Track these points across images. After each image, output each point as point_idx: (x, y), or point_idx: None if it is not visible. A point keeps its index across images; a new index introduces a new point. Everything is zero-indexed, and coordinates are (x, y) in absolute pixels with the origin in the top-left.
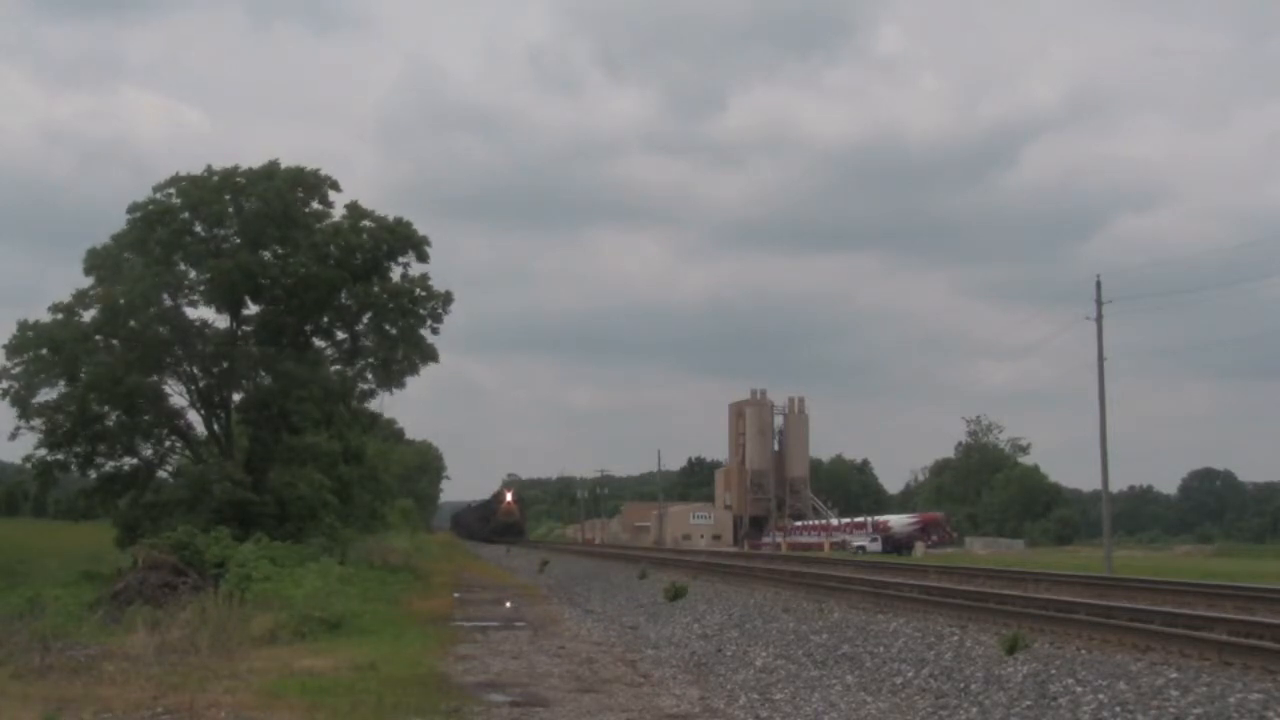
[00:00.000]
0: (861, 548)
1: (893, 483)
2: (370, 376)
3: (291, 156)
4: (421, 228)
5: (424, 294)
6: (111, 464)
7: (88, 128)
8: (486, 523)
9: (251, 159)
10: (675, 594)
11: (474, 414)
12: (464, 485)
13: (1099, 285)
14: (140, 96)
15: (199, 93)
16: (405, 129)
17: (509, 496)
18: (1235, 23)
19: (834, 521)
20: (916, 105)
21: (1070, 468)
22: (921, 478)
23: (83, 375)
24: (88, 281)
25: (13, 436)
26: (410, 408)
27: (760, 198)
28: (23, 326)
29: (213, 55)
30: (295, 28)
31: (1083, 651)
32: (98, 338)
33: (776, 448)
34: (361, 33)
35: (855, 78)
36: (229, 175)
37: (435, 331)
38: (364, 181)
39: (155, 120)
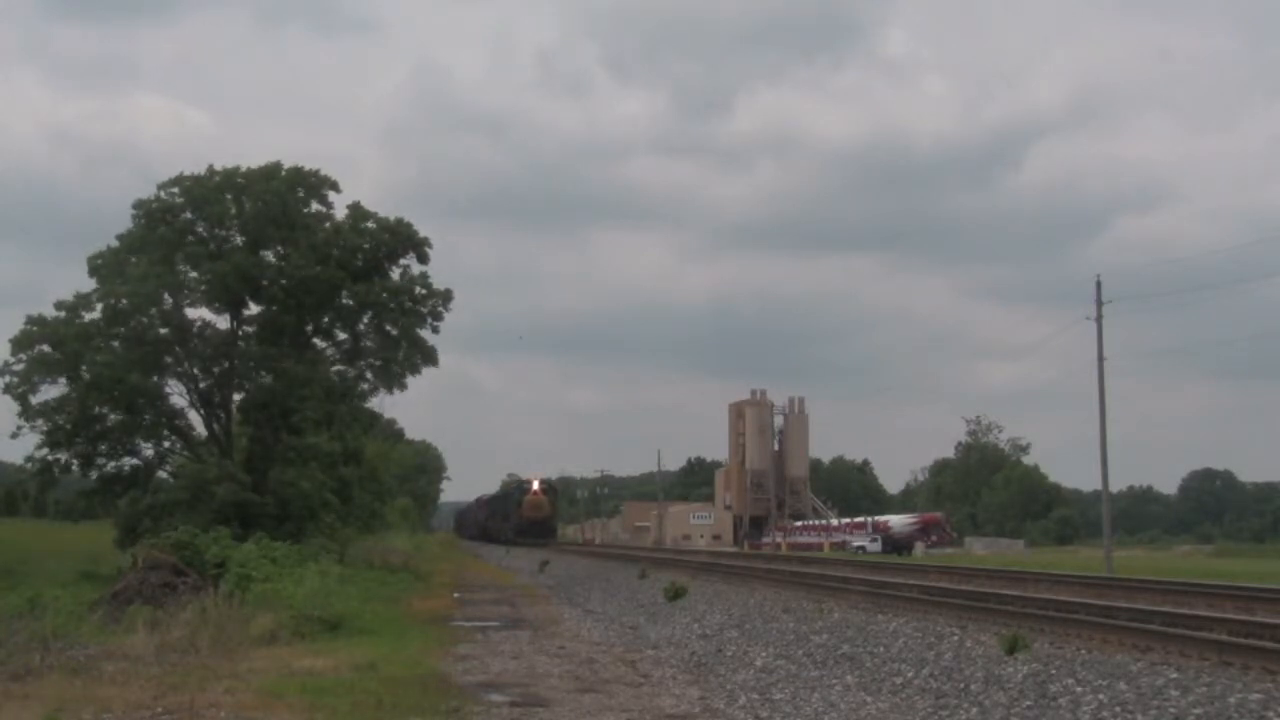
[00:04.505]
0: (861, 548)
1: (893, 483)
2: (370, 376)
3: (297, 159)
4: (425, 229)
5: (424, 292)
6: (112, 464)
7: (93, 129)
8: (506, 520)
9: (256, 162)
10: (675, 594)
11: (474, 414)
12: (464, 485)
13: (1099, 285)
14: (145, 99)
15: (204, 95)
16: (411, 131)
17: (536, 485)
18: (1239, 25)
19: (834, 522)
20: (921, 107)
21: (1070, 468)
22: (921, 478)
23: (84, 374)
24: (91, 283)
25: (14, 436)
26: (410, 408)
27: (764, 199)
28: (30, 321)
29: (218, 58)
30: (301, 30)
31: (1083, 651)
32: (100, 340)
33: (776, 448)
34: (368, 35)
35: (861, 80)
36: (230, 175)
37: (435, 330)
38: (369, 183)
39: (160, 122)
